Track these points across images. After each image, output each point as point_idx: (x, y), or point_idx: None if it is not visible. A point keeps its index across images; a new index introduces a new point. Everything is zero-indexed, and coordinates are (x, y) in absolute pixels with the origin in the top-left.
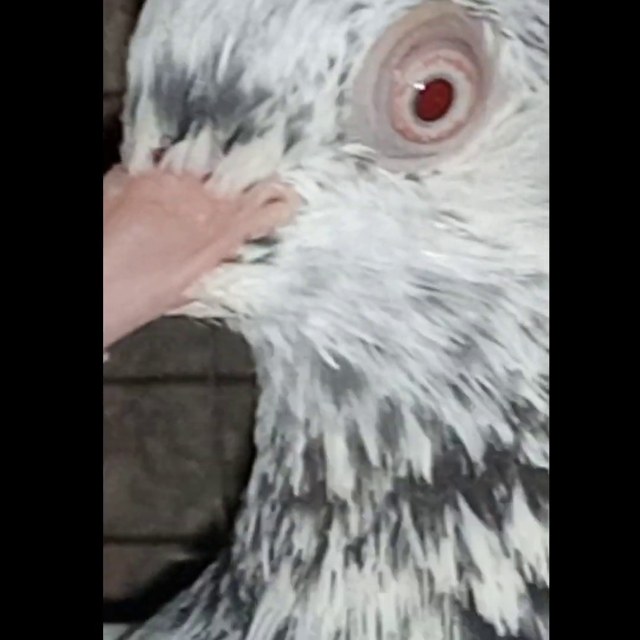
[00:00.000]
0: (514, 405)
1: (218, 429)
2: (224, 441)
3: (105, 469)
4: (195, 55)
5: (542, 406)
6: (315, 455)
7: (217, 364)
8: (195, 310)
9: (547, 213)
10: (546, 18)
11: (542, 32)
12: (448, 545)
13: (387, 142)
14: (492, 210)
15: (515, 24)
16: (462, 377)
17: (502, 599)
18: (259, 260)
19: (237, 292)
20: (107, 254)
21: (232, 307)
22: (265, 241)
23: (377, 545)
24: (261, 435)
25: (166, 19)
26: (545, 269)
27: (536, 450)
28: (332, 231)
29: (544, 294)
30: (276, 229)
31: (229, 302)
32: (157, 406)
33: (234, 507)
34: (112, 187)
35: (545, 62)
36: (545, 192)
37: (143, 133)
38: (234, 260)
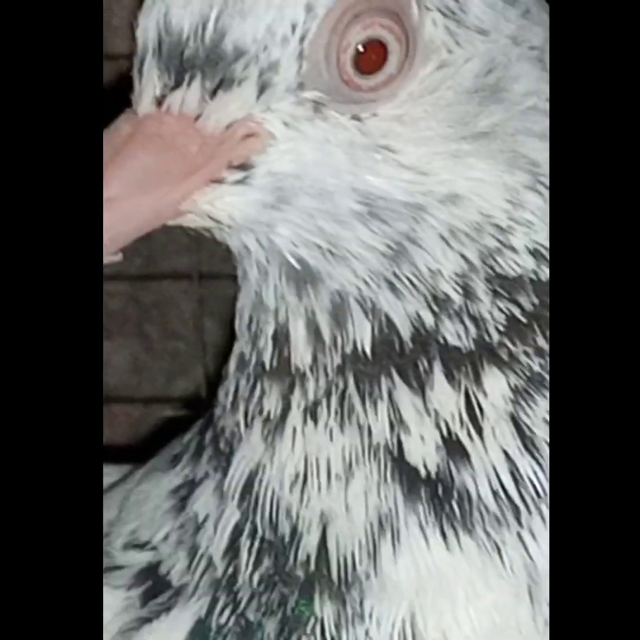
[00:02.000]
0: (434, 296)
1: (200, 317)
2: (205, 327)
3: (112, 348)
4: (188, 23)
5: (457, 297)
6: (282, 337)
7: (201, 265)
8: (188, 221)
9: (460, 147)
10: None
11: (456, 6)
12: (383, 407)
13: (335, 90)
14: (417, 145)
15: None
16: (395, 275)
17: (424, 448)
18: (238, 182)
19: (221, 206)
20: (120, 176)
21: (217, 219)
22: (242, 167)
23: (328, 407)
24: (240, 323)
25: None
26: (459, 190)
27: (452, 333)
28: (294, 159)
29: (459, 211)
30: (251, 158)
31: (215, 214)
32: (153, 298)
33: (214, 379)
34: (123, 125)
35: (459, 30)
36: (459, 130)
37: (148, 84)
38: (219, 181)
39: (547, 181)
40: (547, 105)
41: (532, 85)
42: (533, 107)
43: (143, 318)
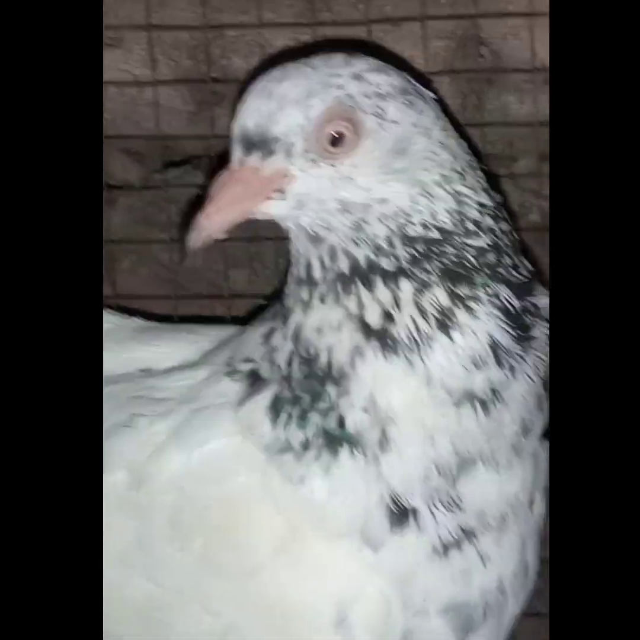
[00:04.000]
0: (377, 247)
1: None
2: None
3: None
4: (252, 123)
5: (387, 247)
6: (308, 265)
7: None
8: (256, 216)
9: (386, 177)
10: (386, 94)
11: (381, 111)
12: (355, 298)
13: (321, 154)
14: (364, 176)
15: (370, 106)
16: (357, 237)
17: (374, 315)
18: (278, 199)
19: (271, 211)
20: (222, 198)
21: (270, 216)
22: (280, 191)
23: (329, 297)
24: (293, 261)
25: (246, 100)
26: (386, 196)
27: (386, 262)
28: (305, 187)
29: (385, 206)
30: (284, 187)
31: (268, 214)
32: None
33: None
34: (224, 173)
35: (383, 123)
36: (384, 169)
37: (235, 154)
38: (269, 199)
39: (436, 190)
40: (431, 156)
41: (422, 146)
42: (425, 157)
43: None
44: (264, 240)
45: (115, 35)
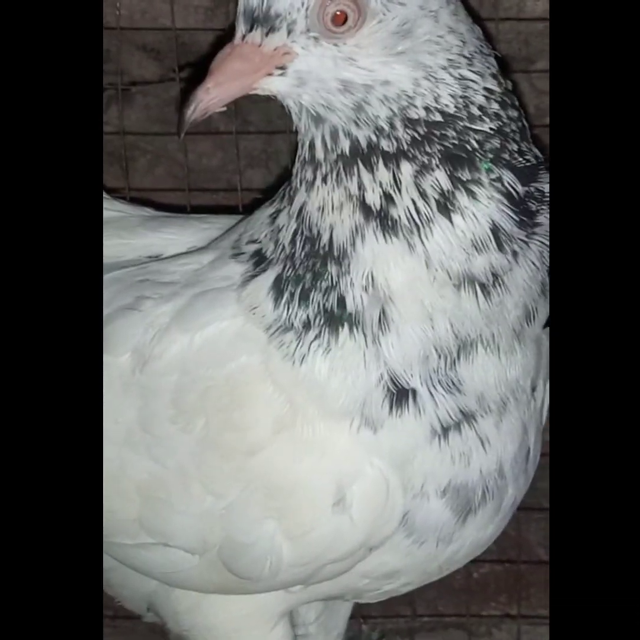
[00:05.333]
0: (377, 128)
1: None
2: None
3: None
4: (255, 1)
5: (387, 128)
6: (311, 146)
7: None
8: (256, 92)
9: (388, 59)
10: None
11: None
12: (354, 178)
13: (323, 33)
14: (366, 57)
15: None
16: (357, 118)
17: (374, 196)
18: (279, 75)
19: (271, 87)
20: (222, 72)
21: (269, 92)
22: (282, 68)
23: (331, 178)
24: (300, 140)
25: None
26: (388, 78)
27: (386, 144)
28: (306, 64)
29: (387, 88)
30: (286, 64)
31: (268, 90)
32: None
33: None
34: (227, 48)
35: (388, 3)
36: (387, 51)
37: (238, 29)
38: (270, 74)
39: (440, 74)
40: (438, 39)
41: (428, 29)
42: (428, 40)
43: None
44: (279, 136)
45: None
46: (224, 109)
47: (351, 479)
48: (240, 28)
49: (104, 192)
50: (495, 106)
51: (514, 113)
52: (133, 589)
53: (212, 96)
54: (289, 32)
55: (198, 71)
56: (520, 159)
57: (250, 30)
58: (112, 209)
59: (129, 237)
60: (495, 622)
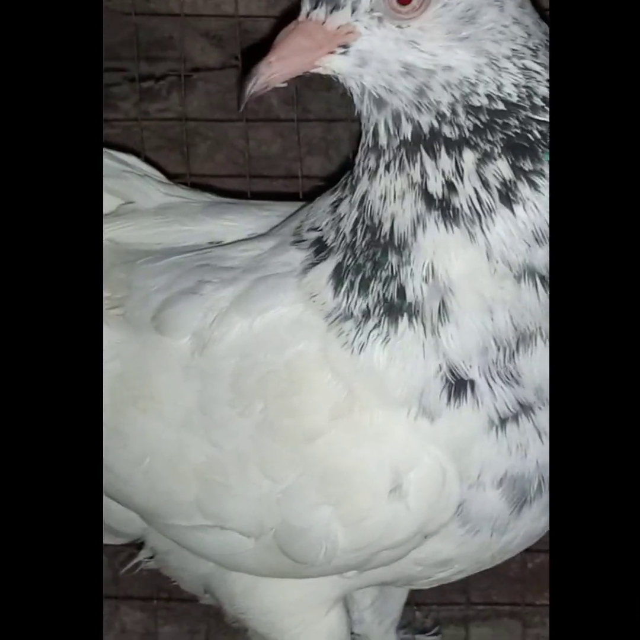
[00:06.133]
0: (439, 113)
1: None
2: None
3: None
4: None
5: (449, 114)
6: (373, 131)
7: None
8: (320, 70)
9: (451, 44)
10: None
11: None
12: (417, 165)
13: (388, 13)
14: (430, 41)
15: None
16: (419, 102)
17: (436, 185)
18: (342, 54)
19: (333, 65)
20: (286, 47)
21: (331, 71)
22: (344, 46)
23: (394, 166)
24: (363, 127)
25: None
26: (451, 63)
27: (448, 130)
28: (369, 44)
29: (449, 73)
30: (349, 43)
31: (330, 69)
32: None
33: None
34: (291, 25)
35: None
36: (451, 36)
37: (304, 8)
38: (333, 53)
39: (503, 63)
40: (502, 29)
41: (492, 18)
42: (491, 28)
43: None
44: (339, 124)
45: None
46: (285, 85)
47: (408, 466)
48: (306, 5)
49: (165, 178)
50: None
51: None
52: (190, 571)
53: (274, 70)
54: (353, 10)
55: (259, 57)
56: None
57: (315, 7)
58: (172, 195)
59: (189, 223)
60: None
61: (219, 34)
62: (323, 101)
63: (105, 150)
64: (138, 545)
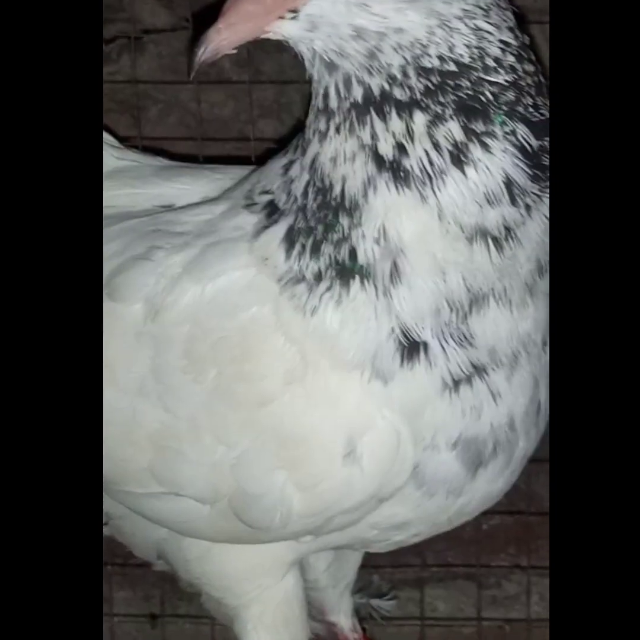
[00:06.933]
0: (390, 76)
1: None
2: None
3: None
4: None
5: (400, 76)
6: (324, 94)
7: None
8: (268, 36)
9: (401, 6)
10: None
11: None
12: (367, 127)
13: None
14: (381, 4)
15: None
16: (370, 65)
17: (387, 146)
18: (291, 19)
19: (282, 30)
20: (235, 13)
21: (281, 36)
22: (294, 11)
23: (343, 129)
24: (314, 88)
25: None
26: (401, 25)
27: (398, 93)
28: (319, 7)
29: (401, 35)
30: (299, 7)
31: (280, 34)
32: None
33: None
34: None
35: None
36: (408, 3)
37: None
38: (282, 18)
39: (455, 24)
40: None
41: None
42: None
43: None
44: (291, 86)
45: None
46: (235, 51)
47: (362, 430)
48: None
49: (116, 141)
50: (511, 59)
51: (530, 67)
52: (143, 537)
53: (223, 37)
54: None
55: (210, 19)
56: (536, 113)
57: None
58: (124, 159)
59: (141, 186)
60: (505, 573)
61: None
62: (275, 63)
63: None
64: None
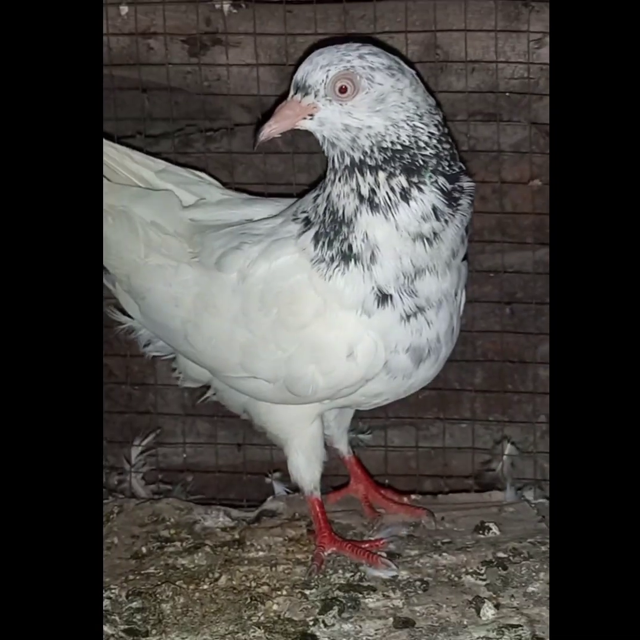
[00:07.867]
0: (365, 152)
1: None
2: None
3: None
4: (299, 77)
5: (370, 152)
6: (331, 160)
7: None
8: (299, 127)
9: (370, 114)
10: (375, 67)
11: (371, 76)
12: (354, 180)
13: (334, 97)
14: (358, 113)
15: (364, 73)
16: (354, 146)
17: (366, 190)
18: (310, 119)
19: (305, 126)
20: (279, 115)
21: (305, 129)
22: (311, 116)
23: (341, 179)
24: (327, 156)
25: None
26: (371, 124)
27: (371, 160)
28: (324, 115)
29: (368, 131)
30: (314, 114)
31: (303, 127)
32: None
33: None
34: (282, 103)
35: (372, 83)
36: (369, 110)
37: (290, 93)
38: (305, 119)
39: (401, 124)
40: (401, 105)
41: (394, 99)
42: (394, 105)
43: None
44: (316, 156)
45: None
46: (280, 136)
47: (356, 342)
48: (291, 92)
49: (220, 184)
50: (434, 142)
51: (447, 145)
52: (235, 400)
53: (272, 128)
54: (315, 95)
55: (267, 118)
56: (450, 170)
57: (295, 93)
58: (225, 194)
59: (235, 209)
60: (431, 422)
61: (249, 105)
62: (305, 143)
63: (192, 171)
64: (207, 387)
